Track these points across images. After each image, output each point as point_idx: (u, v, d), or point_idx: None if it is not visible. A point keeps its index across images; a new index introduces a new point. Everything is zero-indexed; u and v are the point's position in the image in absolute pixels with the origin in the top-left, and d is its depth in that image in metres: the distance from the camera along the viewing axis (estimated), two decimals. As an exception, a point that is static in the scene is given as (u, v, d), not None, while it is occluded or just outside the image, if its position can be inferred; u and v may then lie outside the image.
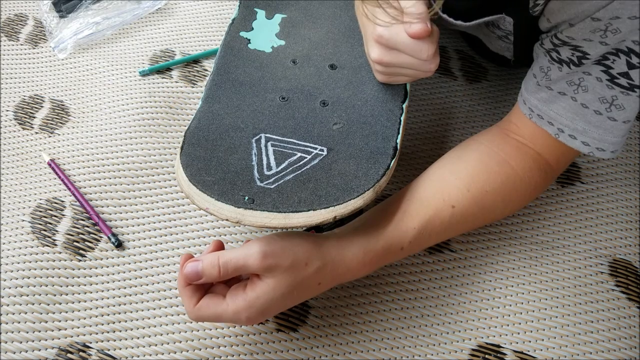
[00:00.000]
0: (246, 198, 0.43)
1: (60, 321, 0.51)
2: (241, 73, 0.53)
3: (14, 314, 0.50)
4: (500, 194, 0.49)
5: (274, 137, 0.48)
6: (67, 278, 0.53)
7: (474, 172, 0.49)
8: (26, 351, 0.49)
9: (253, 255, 0.40)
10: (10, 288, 0.51)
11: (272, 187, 0.44)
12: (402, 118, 0.50)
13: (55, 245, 0.55)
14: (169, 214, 0.57)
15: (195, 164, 0.45)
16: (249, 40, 0.56)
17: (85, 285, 0.53)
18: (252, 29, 0.57)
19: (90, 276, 0.53)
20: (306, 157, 0.47)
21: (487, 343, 0.50)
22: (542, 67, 0.47)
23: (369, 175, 0.45)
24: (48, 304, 0.51)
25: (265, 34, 0.57)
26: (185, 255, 0.44)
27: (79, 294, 0.52)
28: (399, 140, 0.48)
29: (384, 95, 0.51)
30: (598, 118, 0.45)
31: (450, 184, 0.48)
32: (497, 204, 0.50)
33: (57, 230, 0.56)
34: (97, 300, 0.52)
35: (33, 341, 0.49)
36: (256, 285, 0.41)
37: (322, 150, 0.47)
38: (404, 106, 0.51)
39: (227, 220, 0.42)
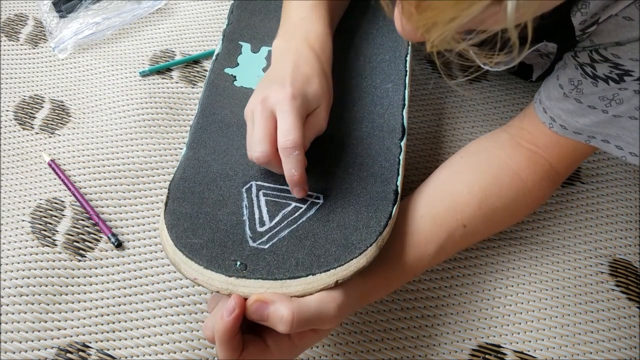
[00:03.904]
0: (238, 263, 0.39)
1: (60, 321, 0.51)
2: (228, 114, 0.49)
3: (13, 314, 0.50)
4: (509, 209, 0.49)
5: (265, 184, 0.44)
6: (67, 278, 0.53)
7: (485, 187, 0.48)
8: (26, 351, 0.49)
9: (329, 316, 0.38)
10: (10, 288, 0.51)
11: (266, 247, 0.40)
12: (400, 157, 0.46)
13: (55, 245, 0.55)
14: (169, 214, 0.57)
15: (181, 223, 0.41)
16: (235, 77, 0.52)
17: (85, 285, 0.53)
18: (238, 64, 0.53)
19: (90, 276, 0.53)
20: (302, 207, 0.43)
21: (487, 343, 0.50)
22: (572, 79, 0.45)
23: (370, 227, 0.41)
24: (48, 304, 0.51)
25: (251, 69, 0.53)
26: (237, 299, 0.37)
27: (79, 294, 0.52)
28: (399, 183, 0.44)
29: (379, 132, 0.48)
30: (633, 123, 0.43)
31: (462, 198, 0.47)
32: (505, 219, 0.49)
33: (57, 230, 0.56)
34: (97, 300, 0.52)
35: (33, 341, 0.49)
36: (305, 335, 0.39)
37: (319, 198, 0.43)
38: (402, 144, 0.47)
39: (217, 292, 0.38)
